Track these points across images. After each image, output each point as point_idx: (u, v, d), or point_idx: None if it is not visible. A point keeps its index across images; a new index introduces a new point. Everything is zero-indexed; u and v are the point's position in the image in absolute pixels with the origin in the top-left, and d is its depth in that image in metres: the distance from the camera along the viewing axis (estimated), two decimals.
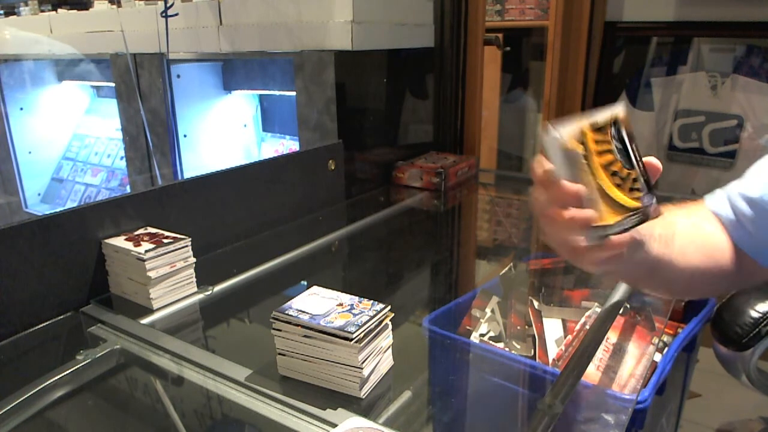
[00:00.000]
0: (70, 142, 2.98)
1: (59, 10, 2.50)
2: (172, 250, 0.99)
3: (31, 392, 0.77)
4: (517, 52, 3.07)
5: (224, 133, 2.26)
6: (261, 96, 2.30)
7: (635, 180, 0.52)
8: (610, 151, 0.51)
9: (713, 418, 1.68)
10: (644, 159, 0.53)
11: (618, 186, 0.51)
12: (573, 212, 0.50)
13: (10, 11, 2.79)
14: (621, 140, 0.51)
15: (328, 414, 0.69)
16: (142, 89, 2.12)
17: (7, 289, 0.90)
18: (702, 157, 1.91)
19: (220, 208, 1.24)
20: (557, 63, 2.08)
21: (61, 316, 0.97)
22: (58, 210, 0.98)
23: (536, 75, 2.85)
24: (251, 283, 1.13)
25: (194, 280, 1.04)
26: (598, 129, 0.50)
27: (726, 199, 0.65)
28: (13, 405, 0.74)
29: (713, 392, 1.67)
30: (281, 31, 1.68)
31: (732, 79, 1.86)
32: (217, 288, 1.07)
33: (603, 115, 0.51)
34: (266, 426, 0.71)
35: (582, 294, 1.00)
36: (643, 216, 0.52)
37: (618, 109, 0.51)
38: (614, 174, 0.51)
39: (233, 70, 2.19)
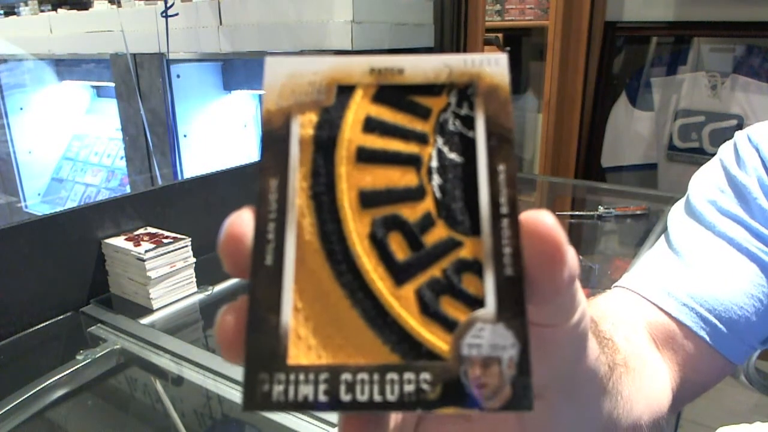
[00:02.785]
0: (70, 142, 2.98)
1: (59, 9, 2.51)
2: (172, 250, 0.99)
3: (31, 392, 0.77)
4: (517, 52, 3.07)
5: (224, 133, 2.26)
6: (261, 96, 2.29)
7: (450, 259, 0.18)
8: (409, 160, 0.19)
9: (713, 418, 1.68)
10: (526, 217, 0.18)
11: (385, 262, 0.18)
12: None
13: (10, 11, 2.79)
14: (463, 141, 0.19)
15: (328, 414, 0.69)
16: (142, 89, 2.12)
17: (7, 289, 0.90)
18: (702, 157, 1.91)
19: (220, 208, 1.24)
20: (557, 63, 2.08)
21: (61, 316, 0.97)
22: (58, 210, 0.98)
23: (536, 75, 2.85)
24: None
25: (194, 280, 1.04)
26: (403, 90, 0.19)
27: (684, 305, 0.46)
28: (13, 405, 0.74)
29: (713, 392, 1.67)
30: (281, 31, 1.68)
31: (732, 79, 1.86)
32: (217, 288, 1.07)
33: (437, 62, 0.19)
34: (266, 426, 0.71)
35: (584, 293, 1.00)
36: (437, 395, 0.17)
37: (491, 61, 0.19)
38: (388, 225, 0.18)
39: (233, 70, 2.19)
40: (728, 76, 1.87)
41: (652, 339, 0.46)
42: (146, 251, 0.95)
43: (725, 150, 0.51)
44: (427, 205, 0.18)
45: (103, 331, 0.93)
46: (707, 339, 0.44)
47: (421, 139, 0.19)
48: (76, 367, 0.83)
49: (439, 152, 0.19)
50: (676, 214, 0.52)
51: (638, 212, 1.42)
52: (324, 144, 0.18)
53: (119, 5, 2.20)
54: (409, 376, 0.17)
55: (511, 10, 3.10)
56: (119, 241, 1.00)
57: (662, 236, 0.52)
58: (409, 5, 1.81)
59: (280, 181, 0.18)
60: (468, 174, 0.18)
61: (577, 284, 0.20)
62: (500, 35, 2.88)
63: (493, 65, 0.19)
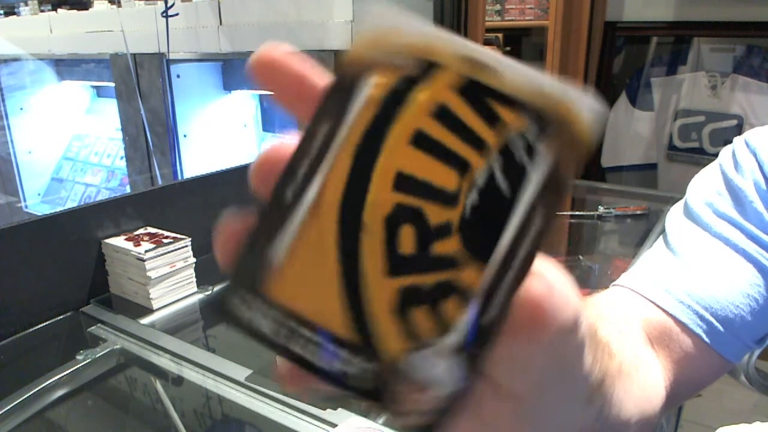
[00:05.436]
0: (70, 142, 2.98)
1: (59, 9, 2.51)
2: (172, 250, 0.99)
3: (31, 392, 0.77)
4: (517, 52, 3.07)
5: (224, 133, 2.26)
6: (261, 96, 2.30)
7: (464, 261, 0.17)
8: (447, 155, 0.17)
9: (713, 418, 1.68)
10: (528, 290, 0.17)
11: (387, 248, 0.17)
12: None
13: (10, 11, 2.79)
14: (518, 173, 0.17)
15: (328, 414, 0.69)
16: (142, 89, 2.12)
17: (7, 289, 0.90)
18: (702, 157, 1.91)
19: (220, 208, 1.23)
20: (557, 63, 2.08)
21: (61, 316, 0.97)
22: (58, 210, 0.98)
23: None
24: None
25: (194, 280, 1.04)
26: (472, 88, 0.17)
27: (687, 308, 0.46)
28: (13, 405, 0.74)
29: (712, 393, 1.67)
30: (281, 31, 1.68)
31: (732, 79, 1.86)
32: (217, 288, 1.07)
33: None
34: (266, 426, 0.71)
35: (582, 294, 1.00)
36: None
37: (589, 107, 0.18)
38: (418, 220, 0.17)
39: (233, 70, 2.19)
40: (728, 76, 1.87)
41: (647, 338, 0.46)
42: (146, 251, 0.95)
43: (724, 154, 0.52)
44: (453, 215, 0.17)
45: (103, 331, 0.93)
46: (703, 337, 0.45)
47: (481, 148, 0.17)
48: (76, 367, 0.83)
49: (490, 171, 0.17)
50: (674, 215, 0.52)
51: (638, 212, 1.42)
52: (387, 111, 0.17)
53: (119, 5, 2.20)
54: (346, 354, 0.17)
55: (511, 10, 3.10)
56: (119, 241, 1.00)
57: (660, 237, 0.53)
58: (409, 5, 1.80)
59: (330, 129, 0.18)
60: (504, 208, 0.17)
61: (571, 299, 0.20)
62: (500, 35, 2.89)
63: (587, 112, 0.17)
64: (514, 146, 0.17)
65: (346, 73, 0.18)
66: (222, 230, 0.18)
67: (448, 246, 0.17)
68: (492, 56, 0.18)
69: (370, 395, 0.17)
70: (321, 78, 0.19)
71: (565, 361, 0.22)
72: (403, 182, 0.17)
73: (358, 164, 0.17)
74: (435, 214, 0.17)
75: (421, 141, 0.17)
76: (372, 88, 0.17)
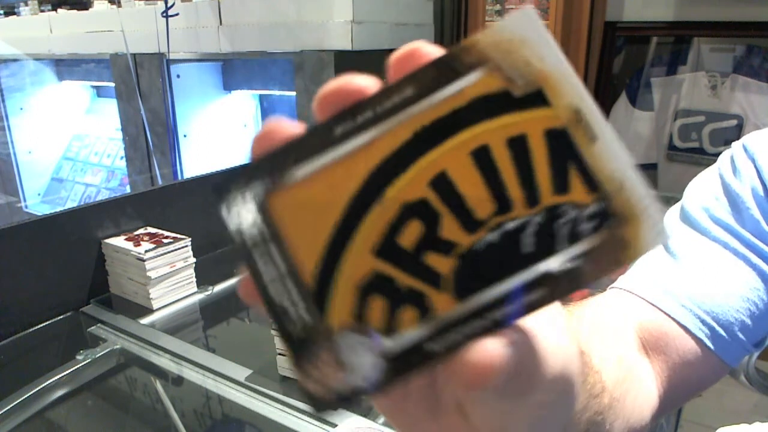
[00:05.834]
0: (70, 142, 2.98)
1: (59, 9, 2.51)
2: (172, 250, 0.99)
3: (31, 392, 0.77)
4: None
5: (224, 133, 2.26)
6: (261, 96, 2.30)
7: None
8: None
9: (713, 418, 1.68)
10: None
11: (388, 232, 0.17)
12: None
13: (10, 11, 2.79)
14: (550, 243, 0.17)
15: (328, 414, 0.69)
16: (142, 89, 2.11)
17: (7, 289, 0.90)
18: (702, 157, 1.91)
19: None
20: None
21: (61, 316, 0.97)
22: (58, 210, 0.98)
23: None
24: None
25: (194, 280, 1.04)
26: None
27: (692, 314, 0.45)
28: (13, 405, 0.74)
29: (712, 393, 1.67)
30: (281, 31, 1.68)
31: (732, 79, 1.86)
32: (217, 288, 1.07)
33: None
34: (266, 426, 0.71)
35: (582, 294, 1.00)
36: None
37: (653, 225, 0.16)
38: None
39: (233, 70, 2.19)
40: (728, 76, 1.87)
41: (641, 344, 0.45)
42: (146, 251, 0.95)
43: (723, 158, 0.52)
44: (465, 240, 0.17)
45: (103, 331, 0.93)
46: (705, 341, 0.45)
47: (533, 198, 0.17)
48: (76, 367, 0.83)
49: (525, 223, 0.17)
50: (671, 218, 0.52)
51: None
52: (470, 113, 0.17)
53: (119, 5, 2.20)
54: (296, 295, 0.17)
55: (511, 10, 3.11)
56: (119, 241, 1.00)
57: None
58: (409, 5, 1.81)
59: (411, 96, 0.17)
60: (514, 265, 0.17)
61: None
62: None
63: (652, 234, 0.16)
64: (562, 215, 0.16)
65: (458, 55, 0.17)
66: (268, 126, 0.18)
67: (442, 264, 0.17)
68: (600, 123, 0.17)
69: (293, 344, 0.17)
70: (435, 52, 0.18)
71: (540, 413, 0.21)
72: (441, 183, 0.17)
73: (413, 143, 0.17)
74: (449, 228, 0.17)
75: (482, 158, 0.17)
76: (472, 83, 0.17)
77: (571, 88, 0.17)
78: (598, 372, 0.34)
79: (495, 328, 0.17)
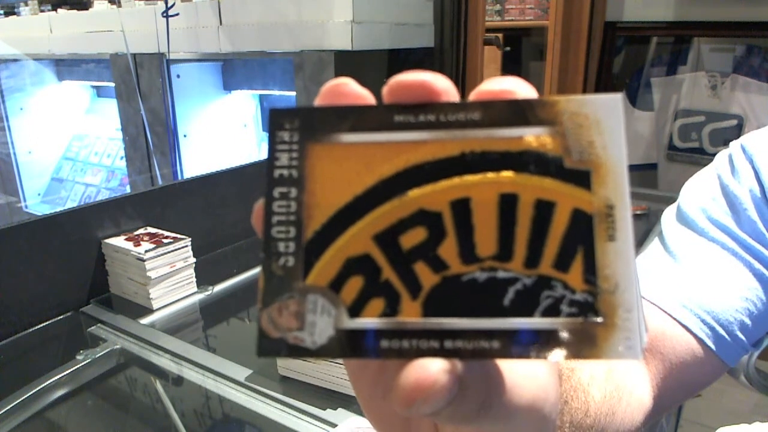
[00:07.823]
0: (70, 142, 2.98)
1: (59, 10, 2.51)
2: (172, 250, 0.99)
3: (31, 392, 0.77)
4: (517, 52, 3.07)
5: (224, 133, 2.27)
6: (261, 96, 2.30)
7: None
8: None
9: (713, 418, 1.68)
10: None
11: (390, 223, 0.18)
12: None
13: (10, 11, 2.79)
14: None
15: (328, 414, 0.69)
16: (142, 89, 2.12)
17: (7, 289, 0.90)
18: (702, 157, 1.91)
19: (220, 208, 1.24)
20: (557, 63, 2.08)
21: (61, 316, 0.97)
22: (58, 210, 0.98)
23: (536, 75, 2.85)
24: (251, 283, 1.13)
25: (194, 280, 1.04)
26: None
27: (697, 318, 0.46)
28: (13, 405, 0.74)
29: (713, 393, 1.67)
30: (281, 30, 1.68)
31: (732, 79, 1.86)
32: (217, 288, 1.07)
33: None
34: (266, 426, 0.71)
35: None
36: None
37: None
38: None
39: (233, 70, 2.19)
40: (728, 76, 1.87)
41: None
42: (146, 251, 0.95)
43: (720, 158, 0.52)
44: (457, 267, 0.18)
45: (103, 331, 0.93)
46: (706, 341, 0.45)
47: (534, 262, 0.17)
48: (76, 367, 0.83)
49: (515, 281, 0.17)
50: (668, 219, 0.52)
51: (638, 212, 1.42)
52: (519, 161, 0.18)
53: (119, 5, 2.20)
54: (292, 241, 0.18)
55: (511, 10, 3.10)
56: (119, 241, 1.00)
57: (656, 239, 0.52)
58: (409, 5, 1.81)
59: (473, 120, 0.18)
60: (487, 309, 0.17)
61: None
62: (500, 35, 2.88)
63: (619, 342, 0.17)
64: (551, 288, 0.17)
65: (535, 106, 0.18)
66: (340, 83, 0.19)
67: (426, 277, 0.18)
68: (626, 227, 0.18)
69: (269, 283, 0.18)
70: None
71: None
72: (461, 207, 0.18)
73: (456, 161, 0.18)
74: (448, 250, 0.18)
75: (508, 204, 0.18)
76: (534, 136, 0.18)
77: (616, 186, 0.18)
78: (585, 391, 0.34)
79: (445, 355, 0.17)
